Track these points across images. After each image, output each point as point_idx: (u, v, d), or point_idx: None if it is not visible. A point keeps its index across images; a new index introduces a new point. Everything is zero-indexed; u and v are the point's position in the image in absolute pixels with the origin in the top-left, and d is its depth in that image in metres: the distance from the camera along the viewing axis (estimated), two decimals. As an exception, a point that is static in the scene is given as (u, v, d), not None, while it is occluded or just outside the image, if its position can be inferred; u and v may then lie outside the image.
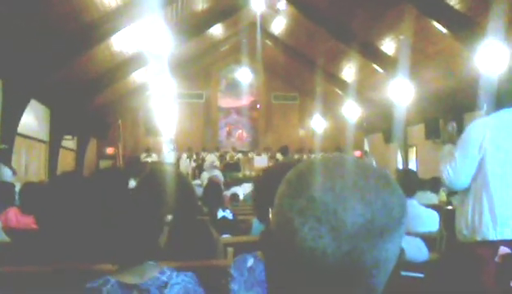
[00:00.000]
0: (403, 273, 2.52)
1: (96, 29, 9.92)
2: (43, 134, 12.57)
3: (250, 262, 1.40)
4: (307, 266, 0.67)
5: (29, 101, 10.06)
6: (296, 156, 17.37)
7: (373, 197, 0.67)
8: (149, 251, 1.58)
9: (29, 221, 3.73)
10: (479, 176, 2.56)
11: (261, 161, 16.81)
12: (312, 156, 17.88)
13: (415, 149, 15.80)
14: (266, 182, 1.58)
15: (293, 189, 0.71)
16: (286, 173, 0.75)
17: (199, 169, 15.97)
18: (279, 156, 15.98)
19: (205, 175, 11.17)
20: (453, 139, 2.81)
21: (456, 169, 2.60)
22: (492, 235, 2.47)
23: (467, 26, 9.10)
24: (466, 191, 2.64)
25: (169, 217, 1.99)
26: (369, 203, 0.66)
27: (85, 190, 2.38)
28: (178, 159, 17.25)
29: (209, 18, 14.02)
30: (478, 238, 2.52)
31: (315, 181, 0.69)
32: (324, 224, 0.65)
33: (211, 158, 16.33)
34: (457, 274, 2.61)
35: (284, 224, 0.69)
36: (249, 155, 17.78)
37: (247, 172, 15.86)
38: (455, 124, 2.95)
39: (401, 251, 2.02)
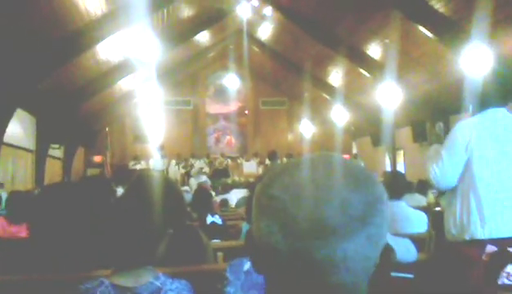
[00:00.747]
0: (393, 273, 2.53)
1: (81, 37, 9.88)
2: (30, 143, 12.45)
3: (247, 265, 1.40)
4: (267, 259, 0.68)
5: (14, 110, 9.97)
6: (285, 161, 17.40)
7: (329, 195, 0.66)
8: (144, 256, 1.57)
9: (16, 230, 3.69)
10: (466, 176, 2.58)
11: (250, 166, 16.82)
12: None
13: (402, 151, 15.92)
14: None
15: (260, 187, 0.72)
16: None
17: (187, 175, 15.93)
18: (268, 161, 16.03)
19: (193, 182, 11.15)
20: (440, 139, 2.83)
21: (443, 169, 2.62)
22: (480, 234, 2.49)
23: (451, 29, 9.22)
24: (454, 191, 2.67)
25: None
26: (322, 201, 0.65)
27: (73, 198, 2.37)
28: (167, 166, 17.19)
29: (196, 25, 14.05)
30: (467, 237, 2.54)
31: (278, 180, 0.70)
32: (276, 221, 0.66)
33: (200, 165, 16.31)
34: (446, 274, 2.63)
35: (253, 221, 0.72)
36: (238, 161, 17.77)
37: (236, 178, 15.83)
38: (442, 124, 2.98)
39: (391, 251, 2.03)
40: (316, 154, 0.75)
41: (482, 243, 2.48)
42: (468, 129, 2.60)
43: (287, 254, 0.65)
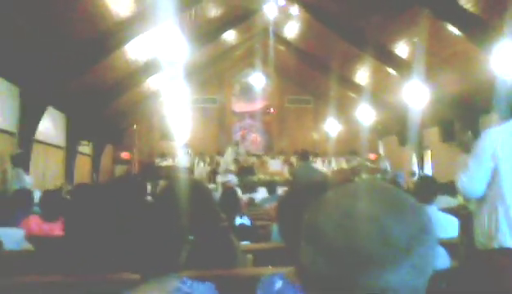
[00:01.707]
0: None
1: (111, 38, 10.05)
2: (60, 140, 12.73)
3: (278, 284, 1.37)
4: (313, 285, 0.70)
5: (46, 108, 10.21)
6: (311, 159, 17.34)
7: (371, 226, 0.67)
8: (171, 263, 1.60)
9: (51, 228, 3.80)
10: (494, 185, 2.55)
11: (275, 164, 16.82)
12: (326, 160, 17.85)
13: (430, 151, 15.69)
14: (294, 198, 1.58)
15: (309, 215, 0.75)
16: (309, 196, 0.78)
17: (213, 173, 16.02)
18: (293, 159, 15.99)
19: (219, 179, 11.23)
20: (469, 148, 2.80)
21: (471, 178, 2.60)
22: (509, 242, 2.45)
23: (482, 28, 9.03)
24: (482, 199, 2.64)
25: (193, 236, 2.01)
26: (365, 233, 0.66)
27: (106, 199, 2.43)
28: (193, 164, 17.33)
29: (223, 24, 14.10)
30: (496, 246, 2.51)
31: (324, 210, 0.72)
32: (320, 250, 0.69)
33: (228, 157, 16.39)
34: (476, 282, 2.60)
35: (302, 246, 0.74)
36: (264, 159, 17.78)
37: (261, 176, 15.85)
38: (470, 133, 2.95)
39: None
40: (362, 181, 0.77)
41: (510, 252, 2.45)
42: (494, 137, 2.57)
43: (331, 282, 0.67)
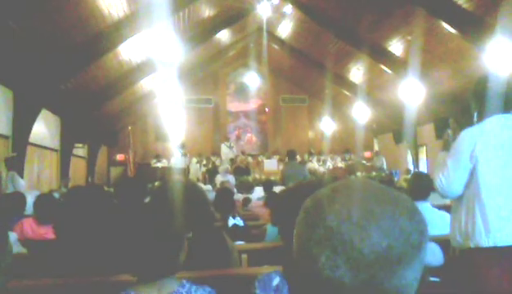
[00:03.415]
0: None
1: (104, 38, 10.02)
2: (55, 142, 12.69)
3: (276, 281, 1.38)
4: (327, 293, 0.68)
5: (39, 111, 10.16)
6: (306, 157, 17.37)
7: (390, 224, 0.67)
8: (168, 265, 1.58)
9: (44, 231, 3.78)
10: (471, 184, 2.55)
11: (271, 164, 16.81)
12: (322, 158, 17.87)
13: (425, 148, 15.74)
14: (286, 203, 1.57)
15: (310, 218, 0.72)
16: (308, 195, 0.76)
17: (209, 173, 15.99)
18: (287, 160, 15.99)
19: (219, 179, 11.21)
20: (448, 146, 2.79)
21: (449, 178, 2.59)
22: (485, 242, 2.46)
23: (475, 25, 9.05)
24: (459, 198, 2.64)
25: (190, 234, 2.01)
26: (385, 231, 0.66)
27: (102, 202, 2.41)
28: (188, 164, 17.31)
29: (216, 24, 14.08)
30: (472, 245, 2.51)
31: (331, 211, 0.70)
32: (340, 254, 0.66)
33: (224, 151, 16.40)
34: (459, 281, 2.61)
35: (303, 252, 0.71)
36: (259, 158, 17.77)
37: (257, 176, 15.84)
38: (450, 131, 2.94)
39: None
40: (353, 181, 0.75)
41: (486, 251, 2.45)
42: (472, 137, 2.56)
43: (353, 286, 0.66)
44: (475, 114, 2.75)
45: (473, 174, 2.54)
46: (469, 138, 2.57)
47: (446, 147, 2.84)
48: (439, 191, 2.70)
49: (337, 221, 0.68)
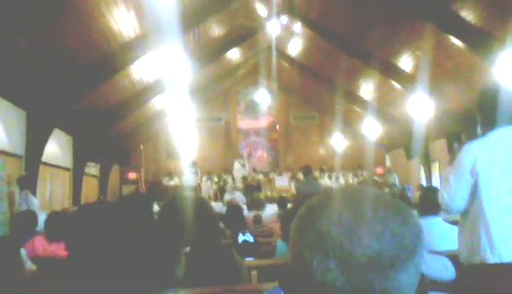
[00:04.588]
0: (430, 293, 2.48)
1: (115, 59, 10.15)
2: (67, 162, 12.79)
3: None
4: None
5: (52, 131, 10.28)
6: (317, 174, 17.31)
7: (381, 228, 0.67)
8: (167, 279, 1.58)
9: (55, 249, 3.80)
10: (475, 200, 2.51)
11: (282, 181, 16.78)
12: (334, 175, 17.80)
13: (437, 164, 15.60)
14: (294, 211, 1.58)
15: (302, 223, 0.72)
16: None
17: (220, 191, 16.01)
18: (300, 176, 15.94)
19: (227, 197, 11.24)
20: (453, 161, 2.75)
21: (451, 193, 2.56)
22: (490, 258, 2.41)
23: (484, 39, 9.04)
24: (465, 214, 2.60)
25: (187, 249, 2.00)
26: (376, 235, 0.66)
27: (111, 218, 2.42)
28: (200, 182, 17.36)
29: (226, 43, 14.22)
30: (478, 261, 2.47)
31: (323, 215, 0.70)
32: (332, 257, 0.66)
33: (236, 167, 16.42)
34: None
35: (296, 257, 0.71)
36: (270, 176, 17.77)
37: (268, 193, 15.82)
38: (456, 145, 2.91)
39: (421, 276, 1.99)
40: (346, 188, 0.76)
41: (492, 268, 2.41)
42: (473, 151, 2.53)
43: (345, 290, 0.65)
44: (478, 128, 2.72)
45: (475, 189, 2.50)
46: (470, 152, 2.54)
47: (452, 162, 2.81)
48: (443, 206, 2.67)
49: (328, 225, 0.68)
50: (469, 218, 2.56)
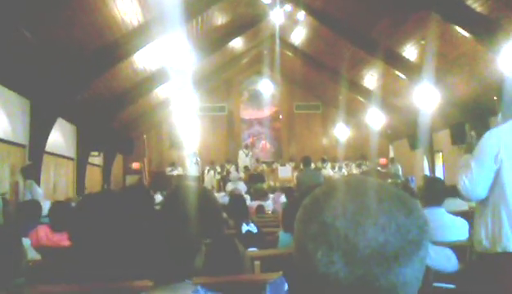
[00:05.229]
0: (434, 283, 2.47)
1: (119, 47, 10.12)
2: (71, 151, 12.83)
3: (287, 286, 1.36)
4: (323, 290, 0.67)
5: (55, 120, 10.29)
6: (320, 164, 17.31)
7: (386, 220, 0.66)
8: (182, 270, 1.58)
9: (59, 239, 3.81)
10: (497, 187, 2.49)
11: (285, 171, 16.78)
12: (337, 165, 17.79)
13: (441, 154, 15.57)
14: (296, 204, 1.57)
15: (307, 214, 0.71)
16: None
17: (223, 181, 16.02)
18: (302, 166, 15.94)
19: (230, 187, 11.25)
20: (472, 148, 2.74)
21: (473, 180, 2.54)
22: None
23: (489, 28, 8.96)
24: (485, 202, 2.58)
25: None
26: (381, 227, 0.65)
27: (115, 208, 2.42)
28: (202, 172, 17.38)
29: (230, 32, 14.15)
30: (499, 250, 2.45)
31: (327, 206, 0.69)
32: (336, 249, 0.65)
33: (241, 157, 16.46)
34: (482, 286, 2.55)
35: (300, 248, 0.70)
36: (273, 166, 17.76)
37: (271, 183, 15.83)
38: (473, 133, 2.89)
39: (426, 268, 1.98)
40: (350, 178, 0.75)
41: None
42: (496, 138, 2.51)
43: (349, 282, 0.65)
44: (499, 115, 2.70)
45: (497, 176, 2.48)
46: (493, 139, 2.52)
47: (470, 150, 2.79)
48: (463, 193, 2.65)
49: (332, 217, 0.67)
50: (489, 206, 2.54)
